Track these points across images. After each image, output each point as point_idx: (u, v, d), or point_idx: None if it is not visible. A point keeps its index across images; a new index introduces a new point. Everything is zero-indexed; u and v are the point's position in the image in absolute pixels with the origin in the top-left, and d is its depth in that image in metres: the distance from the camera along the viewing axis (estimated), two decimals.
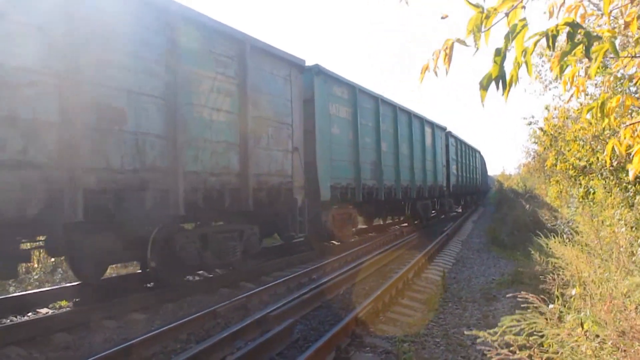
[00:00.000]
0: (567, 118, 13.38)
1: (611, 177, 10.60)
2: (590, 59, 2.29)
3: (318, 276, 9.45)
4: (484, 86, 2.28)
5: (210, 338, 5.43)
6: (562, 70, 2.40)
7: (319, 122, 11.90)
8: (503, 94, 2.26)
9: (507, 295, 5.40)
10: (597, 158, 11.19)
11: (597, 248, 5.79)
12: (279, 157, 9.78)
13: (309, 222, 11.06)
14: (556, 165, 13.31)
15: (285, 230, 10.55)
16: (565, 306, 4.47)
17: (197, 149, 7.63)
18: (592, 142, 11.47)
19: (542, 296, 3.98)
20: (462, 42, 2.30)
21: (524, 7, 2.22)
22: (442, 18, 2.51)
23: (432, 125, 21.60)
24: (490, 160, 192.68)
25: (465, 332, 5.65)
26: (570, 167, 12.51)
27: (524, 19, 2.17)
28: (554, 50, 2.32)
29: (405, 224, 20.67)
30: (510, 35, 2.17)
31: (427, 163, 20.16)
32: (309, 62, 11.35)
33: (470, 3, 2.24)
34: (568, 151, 12.40)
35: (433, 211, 23.43)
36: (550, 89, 15.82)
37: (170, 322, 6.21)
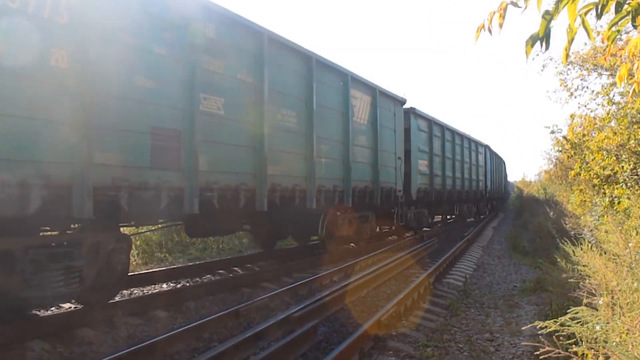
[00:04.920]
0: (593, 126, 13.15)
1: (636, 187, 10.43)
2: (635, 27, 2.46)
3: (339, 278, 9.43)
4: (531, 43, 2.56)
5: (233, 337, 5.43)
6: (612, 41, 2.54)
7: None
8: (544, 52, 2.59)
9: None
10: (622, 167, 11.03)
11: (626, 257, 5.70)
12: None
13: None
14: (580, 174, 13.08)
15: None
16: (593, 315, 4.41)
17: None
18: (616, 153, 11.31)
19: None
20: (515, 4, 2.54)
21: None
22: None
23: (374, 90, 13.41)
24: (511, 167, 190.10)
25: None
26: (594, 176, 12.30)
27: None
28: (600, 19, 2.48)
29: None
30: (560, 3, 2.36)
31: (355, 150, 12.19)
32: None
33: None
34: (592, 160, 12.21)
35: (386, 229, 16.73)
36: (575, 97, 15.49)
37: (193, 320, 6.24)
